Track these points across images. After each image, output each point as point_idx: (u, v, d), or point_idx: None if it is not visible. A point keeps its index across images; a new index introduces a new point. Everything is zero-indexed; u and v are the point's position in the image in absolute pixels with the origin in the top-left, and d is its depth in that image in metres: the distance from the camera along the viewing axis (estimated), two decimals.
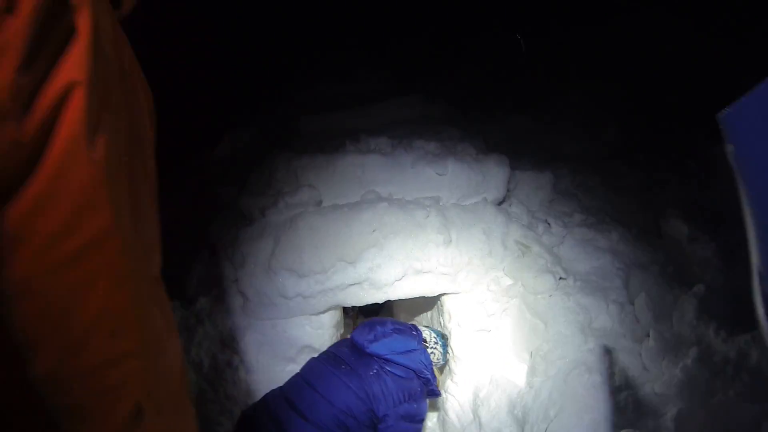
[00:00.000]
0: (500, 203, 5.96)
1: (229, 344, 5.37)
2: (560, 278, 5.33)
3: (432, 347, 4.47)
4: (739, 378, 4.64)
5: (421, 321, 6.31)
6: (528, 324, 5.23)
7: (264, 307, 5.29)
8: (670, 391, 4.57)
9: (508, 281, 5.35)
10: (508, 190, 6.17)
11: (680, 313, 5.27)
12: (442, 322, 5.60)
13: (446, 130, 6.64)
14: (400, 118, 6.94)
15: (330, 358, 4.19)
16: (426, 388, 4.18)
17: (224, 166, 7.29)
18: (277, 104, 8.11)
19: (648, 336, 5.02)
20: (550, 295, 5.21)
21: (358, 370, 3.97)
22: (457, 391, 5.52)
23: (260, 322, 5.37)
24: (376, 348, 4.10)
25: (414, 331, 4.45)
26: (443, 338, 4.62)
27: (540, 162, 6.76)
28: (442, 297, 5.51)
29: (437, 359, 4.47)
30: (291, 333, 5.37)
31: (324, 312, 5.34)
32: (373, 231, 5.14)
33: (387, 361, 4.06)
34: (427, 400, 4.33)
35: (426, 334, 4.52)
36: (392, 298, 5.19)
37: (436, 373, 4.45)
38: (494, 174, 5.88)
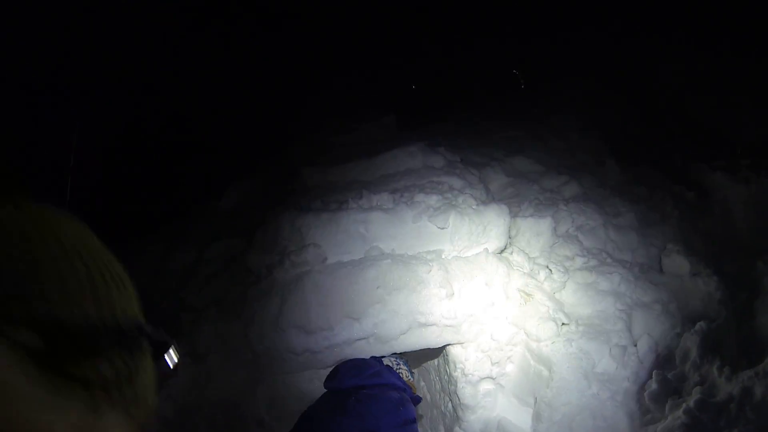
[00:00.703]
0: (501, 252, 6.07)
1: (239, 402, 5.55)
2: (563, 324, 5.42)
3: (397, 368, 4.50)
4: (744, 416, 4.69)
5: (429, 369, 6.40)
6: (532, 370, 5.32)
7: (274, 363, 5.45)
8: None
9: (511, 330, 5.45)
10: (509, 238, 6.28)
11: (683, 352, 5.34)
12: (448, 371, 5.70)
13: (447, 181, 6.79)
14: (401, 169, 7.11)
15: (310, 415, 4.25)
16: (405, 395, 4.17)
17: (229, 218, 7.49)
18: (280, 154, 8.32)
19: (651, 378, 5.07)
20: (553, 342, 5.30)
21: (339, 408, 4.00)
22: None
23: (270, 377, 5.50)
24: (347, 382, 4.14)
25: (374, 359, 4.59)
26: (405, 361, 4.67)
27: (540, 206, 6.87)
28: (447, 347, 5.61)
29: (404, 376, 4.51)
30: (301, 387, 5.51)
31: (332, 365, 5.45)
32: (377, 288, 5.28)
33: (360, 387, 4.08)
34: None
35: (386, 360, 4.59)
36: (398, 350, 5.31)
37: (411, 384, 4.52)
38: (495, 224, 6.01)
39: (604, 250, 6.68)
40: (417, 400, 4.31)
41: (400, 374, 4.42)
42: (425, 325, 5.29)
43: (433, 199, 6.19)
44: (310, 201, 6.45)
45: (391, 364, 4.49)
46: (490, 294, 5.48)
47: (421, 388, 6.68)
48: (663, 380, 5.05)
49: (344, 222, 5.91)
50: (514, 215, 6.38)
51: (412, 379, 4.55)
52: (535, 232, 6.43)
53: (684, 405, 4.75)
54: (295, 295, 5.40)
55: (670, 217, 7.52)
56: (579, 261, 6.25)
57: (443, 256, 5.76)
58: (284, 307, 5.38)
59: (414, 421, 3.99)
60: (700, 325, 5.45)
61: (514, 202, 6.76)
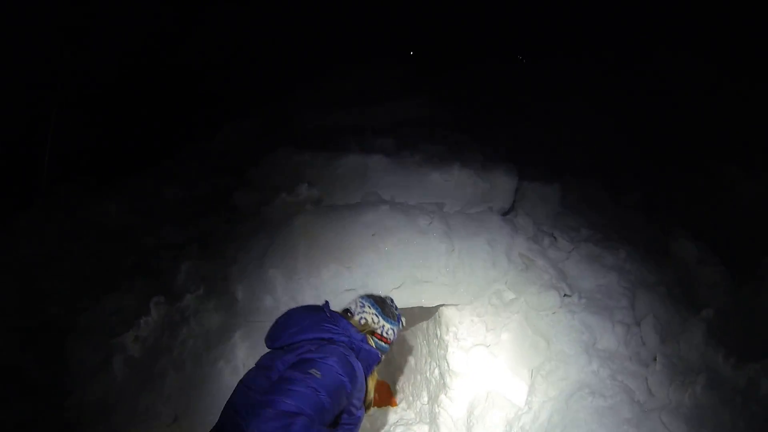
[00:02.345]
0: (506, 214, 5.56)
1: (214, 345, 4.97)
2: (565, 295, 4.94)
3: (359, 312, 3.46)
4: (749, 409, 4.26)
5: (416, 332, 5.90)
6: (529, 341, 4.84)
7: (254, 307, 4.91)
8: (678, 420, 4.16)
9: (510, 295, 4.96)
10: (514, 201, 5.77)
11: (688, 337, 4.89)
12: (438, 334, 5.20)
13: (454, 135, 6.26)
14: (408, 118, 6.55)
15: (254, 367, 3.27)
16: (352, 352, 3.18)
17: (222, 157, 6.91)
18: (281, 97, 7.72)
19: (655, 360, 4.61)
20: (554, 312, 4.82)
21: (260, 379, 3.10)
22: (451, 407, 5.12)
23: (249, 322, 4.97)
24: (273, 341, 3.25)
25: (324, 310, 3.38)
26: (373, 301, 3.54)
27: (548, 174, 6.35)
28: (440, 308, 5.11)
29: (372, 322, 3.42)
30: None
31: None
32: (372, 234, 4.76)
33: (287, 345, 3.15)
34: (367, 381, 3.33)
35: (350, 303, 3.54)
36: None
37: (369, 331, 3.40)
38: (502, 183, 5.51)
39: (609, 226, 6.20)
40: (372, 355, 3.34)
41: (363, 321, 3.43)
42: (421, 281, 4.78)
43: (440, 149, 5.66)
44: (309, 142, 5.89)
45: (352, 309, 3.49)
46: (491, 254, 4.97)
47: (403, 352, 6.19)
48: (668, 363, 4.59)
49: (343, 163, 5.39)
50: (520, 179, 5.85)
51: (387, 327, 3.50)
52: (541, 197, 5.93)
53: (689, 390, 4.31)
54: (283, 236, 4.88)
55: (679, 202, 7.03)
56: (585, 233, 5.76)
57: (445, 210, 5.24)
58: (270, 248, 4.86)
59: (338, 388, 2.91)
60: (707, 312, 5.00)
61: (522, 165, 6.22)
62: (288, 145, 5.93)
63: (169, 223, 6.16)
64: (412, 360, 5.98)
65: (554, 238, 5.56)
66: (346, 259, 4.72)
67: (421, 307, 5.25)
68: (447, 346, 5.02)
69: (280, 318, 3.35)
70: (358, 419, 3.19)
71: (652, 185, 7.31)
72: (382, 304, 3.55)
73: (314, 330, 3.15)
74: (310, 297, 4.75)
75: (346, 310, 3.47)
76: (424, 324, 5.73)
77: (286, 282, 4.78)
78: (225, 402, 3.07)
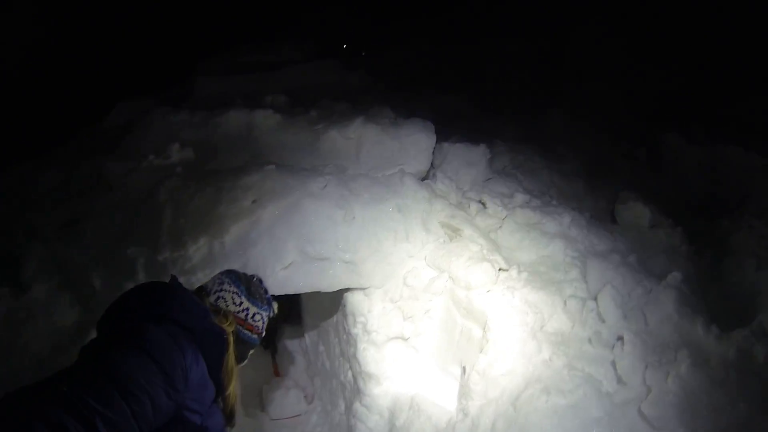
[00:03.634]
0: (423, 179, 4.36)
1: (65, 347, 3.68)
2: (500, 269, 3.76)
3: (216, 291, 2.44)
4: (746, 385, 3.27)
5: (327, 328, 4.60)
6: (459, 329, 3.66)
7: (114, 297, 3.53)
8: (664, 411, 3.03)
9: (430, 273, 3.76)
10: (432, 166, 4.60)
11: (656, 308, 3.80)
12: (346, 327, 3.95)
13: (363, 97, 5.08)
14: (311, 84, 5.33)
15: None
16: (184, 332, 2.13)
17: (110, 135, 5.50)
18: (182, 73, 6.39)
19: (620, 339, 3.47)
20: (488, 291, 3.63)
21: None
22: (368, 417, 3.89)
23: None
24: (103, 326, 2.19)
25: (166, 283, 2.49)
26: (235, 278, 2.52)
27: (474, 137, 5.20)
28: (345, 294, 3.86)
29: (233, 303, 2.41)
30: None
31: None
32: (253, 201, 3.51)
33: (114, 334, 2.10)
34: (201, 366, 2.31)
35: (207, 281, 2.49)
36: (276, 292, 3.52)
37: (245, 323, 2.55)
38: (416, 141, 4.35)
39: (546, 193, 5.09)
40: (215, 336, 2.31)
41: (221, 301, 2.39)
42: (314, 258, 3.54)
43: (342, 106, 4.47)
44: (195, 106, 4.61)
45: (208, 287, 2.48)
46: (403, 223, 3.77)
47: (319, 354, 4.91)
48: (637, 342, 3.47)
49: (224, 121, 4.18)
50: (441, 141, 4.67)
51: (252, 310, 2.51)
52: (466, 161, 4.76)
53: (671, 372, 3.20)
54: (147, 206, 3.61)
55: (620, 170, 6.03)
56: (519, 198, 4.63)
57: (347, 173, 4.01)
58: (132, 222, 3.57)
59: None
60: (674, 276, 3.94)
61: (443, 133, 5.02)
62: (167, 107, 4.65)
63: (35, 208, 4.74)
64: (327, 362, 4.70)
65: (483, 205, 4.39)
66: (220, 232, 3.48)
67: (330, 297, 4.00)
68: (356, 342, 3.79)
69: (125, 293, 2.28)
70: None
71: (589, 154, 6.30)
72: (247, 283, 2.55)
73: (143, 309, 2.15)
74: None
75: (200, 289, 2.46)
76: (334, 318, 4.45)
77: (149, 262, 3.54)
78: None
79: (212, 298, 2.38)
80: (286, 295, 3.67)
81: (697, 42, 7.03)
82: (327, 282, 3.61)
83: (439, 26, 8.07)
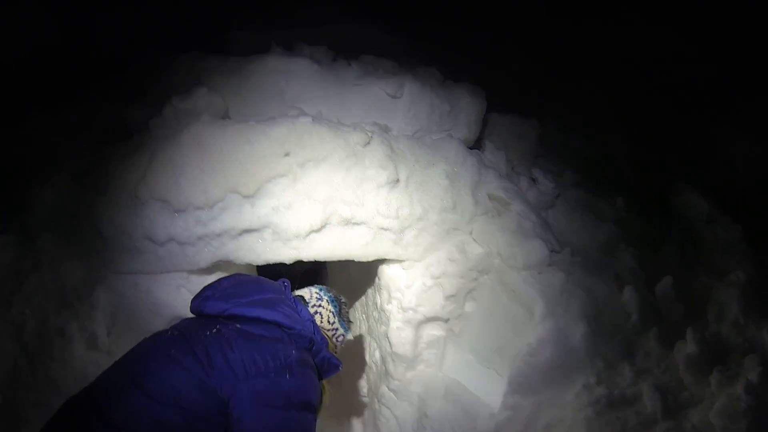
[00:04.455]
0: (471, 148, 3.90)
1: (69, 303, 3.32)
2: (552, 250, 3.31)
3: (315, 305, 2.55)
4: None
5: (354, 302, 4.18)
6: (505, 312, 3.23)
7: (125, 254, 3.26)
8: (737, 423, 2.59)
9: (477, 249, 3.32)
10: (480, 136, 4.14)
11: (718, 307, 3.36)
12: (378, 302, 3.53)
13: (410, 52, 4.63)
14: (353, 42, 4.85)
15: (169, 334, 2.16)
16: (309, 354, 2.24)
17: (134, 83, 5.05)
18: (215, 27, 5.92)
19: (684, 339, 3.03)
20: (540, 272, 3.19)
21: (192, 340, 2.03)
22: (395, 404, 3.48)
23: (118, 275, 3.31)
24: (215, 305, 2.22)
25: (282, 282, 2.56)
26: (332, 297, 2.65)
27: (524, 109, 4.73)
28: (381, 266, 3.43)
29: (327, 321, 2.53)
30: (158, 296, 3.29)
31: (207, 270, 3.26)
32: (286, 155, 3.08)
33: (233, 317, 2.16)
34: (323, 383, 2.35)
35: (304, 291, 2.63)
36: (305, 257, 3.12)
37: (330, 339, 2.59)
38: (465, 106, 3.89)
39: (598, 175, 4.62)
40: (333, 365, 2.40)
41: (317, 317, 2.52)
42: (350, 222, 3.11)
43: (386, 63, 4.02)
44: (226, 56, 4.16)
45: (307, 298, 2.58)
46: (451, 191, 3.33)
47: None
48: (702, 341, 3.03)
49: (258, 69, 3.76)
50: (489, 110, 4.20)
51: (340, 332, 2.65)
52: (516, 134, 4.32)
53: (744, 381, 2.76)
54: (166, 154, 3.18)
55: (671, 161, 5.50)
56: (571, 177, 4.19)
57: (390, 134, 3.57)
58: (150, 170, 3.15)
59: (307, 404, 2.04)
60: (737, 274, 3.49)
61: (493, 96, 4.51)
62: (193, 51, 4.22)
63: (52, 154, 4.31)
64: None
65: (533, 180, 3.93)
66: (248, 187, 3.05)
67: (360, 267, 3.58)
68: (389, 320, 3.37)
69: (222, 280, 2.42)
70: None
71: (638, 142, 5.78)
72: (340, 304, 2.70)
73: (271, 310, 2.22)
74: (198, 239, 3.13)
75: (300, 297, 2.56)
76: (364, 291, 4.02)
77: (168, 217, 3.12)
78: (75, 390, 2.01)
79: (310, 311, 2.48)
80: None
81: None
82: (362, 250, 3.18)
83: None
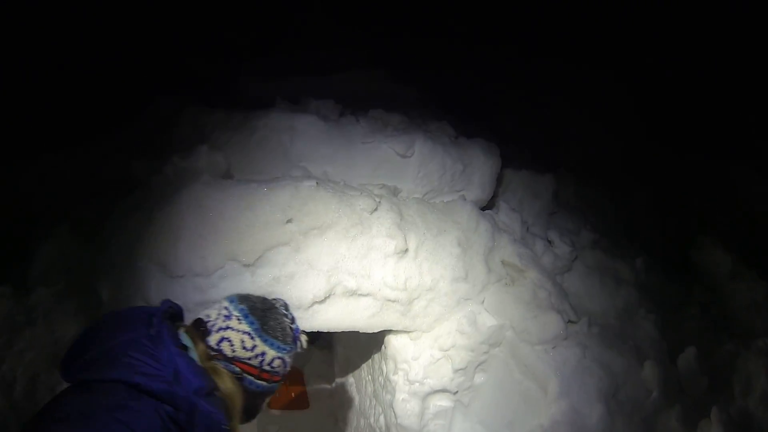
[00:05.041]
0: (484, 209, 3.72)
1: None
2: (569, 321, 3.11)
3: (221, 328, 1.74)
4: None
5: (360, 363, 3.98)
6: (518, 389, 3.02)
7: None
8: None
9: (489, 321, 3.12)
10: (494, 194, 3.96)
11: (745, 378, 3.12)
12: (384, 371, 3.33)
13: (420, 111, 4.47)
14: (362, 93, 4.75)
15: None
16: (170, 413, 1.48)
17: (143, 134, 4.98)
18: (227, 71, 5.84)
19: (709, 418, 2.80)
20: (554, 347, 2.98)
21: None
22: None
23: None
24: (74, 371, 1.55)
25: (149, 310, 1.73)
26: (245, 309, 1.78)
27: (537, 163, 4.56)
28: (388, 335, 3.24)
29: (241, 347, 1.72)
30: None
31: None
32: (288, 221, 2.93)
33: (86, 383, 1.50)
34: None
35: (209, 311, 1.79)
36: (307, 328, 2.93)
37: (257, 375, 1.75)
38: (480, 165, 3.72)
39: (615, 230, 4.42)
40: (257, 391, 1.77)
41: (225, 345, 1.71)
42: (356, 293, 2.94)
43: (396, 118, 3.87)
44: (232, 106, 4.06)
45: (211, 317, 1.78)
46: (463, 260, 3.14)
47: (348, 385, 4.31)
48: (728, 421, 2.79)
49: (262, 124, 3.59)
50: (504, 166, 4.03)
51: (269, 355, 1.78)
52: (531, 191, 4.13)
53: None
54: (165, 214, 3.04)
55: (692, 206, 5.26)
56: (587, 236, 3.98)
57: (400, 196, 3.41)
58: (148, 231, 3.02)
59: None
60: (764, 342, 3.26)
61: (504, 153, 4.36)
62: (199, 104, 4.12)
63: (55, 203, 4.23)
64: (356, 397, 4.08)
65: (549, 242, 3.74)
66: (248, 255, 2.89)
67: (367, 335, 3.39)
68: (394, 391, 3.16)
69: (88, 327, 1.65)
70: None
71: (656, 186, 5.54)
72: (262, 316, 1.79)
73: (118, 362, 1.49)
74: (195, 306, 2.87)
75: (198, 323, 1.75)
76: (371, 356, 3.83)
77: (163, 280, 2.95)
78: None
79: (214, 339, 1.70)
80: None
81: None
82: (368, 321, 2.99)
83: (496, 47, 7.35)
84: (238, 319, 1.74)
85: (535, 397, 2.91)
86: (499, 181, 4.02)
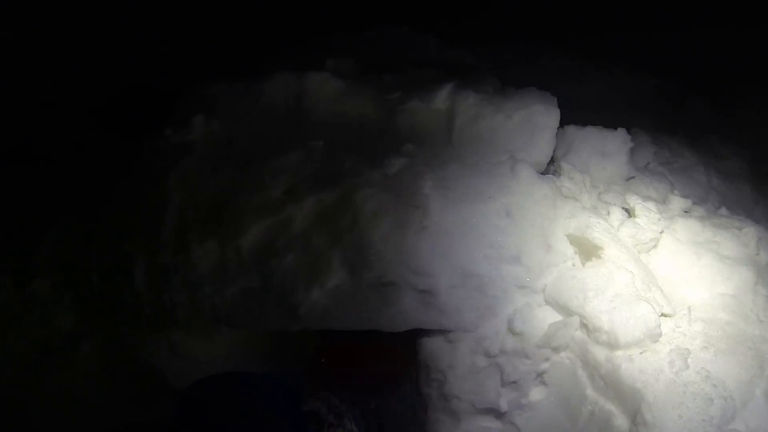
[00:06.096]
0: (542, 173, 2.81)
1: (52, 355, 2.92)
2: (661, 314, 2.19)
3: (333, 427, 1.50)
4: None
5: None
6: (589, 408, 2.16)
7: (111, 302, 2.74)
8: None
9: (552, 315, 2.24)
10: (554, 157, 3.06)
11: None
12: (413, 380, 2.49)
13: (459, 66, 3.60)
14: (392, 55, 3.89)
15: None
16: None
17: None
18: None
19: None
20: (642, 351, 2.08)
21: None
22: None
23: (107, 326, 2.77)
24: None
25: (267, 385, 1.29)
26: (356, 413, 1.59)
27: (608, 120, 3.60)
28: (420, 337, 2.39)
29: None
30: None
31: (199, 334, 2.54)
32: (285, 191, 2.21)
33: None
34: None
35: (318, 402, 1.53)
36: (312, 326, 2.17)
37: None
38: (533, 117, 2.84)
39: (709, 200, 3.41)
40: None
41: None
42: (371, 282, 2.19)
43: (429, 71, 3.06)
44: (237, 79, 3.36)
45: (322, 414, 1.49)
46: (514, 235, 2.28)
47: None
48: None
49: (268, 89, 2.94)
50: (563, 122, 3.11)
51: None
52: (601, 150, 3.20)
53: None
54: (152, 193, 2.66)
55: None
56: (677, 204, 3.02)
57: (432, 160, 2.56)
58: (135, 213, 2.70)
59: None
60: None
61: (565, 113, 3.43)
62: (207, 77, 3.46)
63: (58, 193, 3.81)
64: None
65: (628, 212, 2.81)
66: (235, 232, 2.19)
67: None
68: (426, 407, 2.33)
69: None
70: None
71: (751, 149, 4.48)
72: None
73: None
74: (182, 294, 2.39)
75: (309, 415, 1.44)
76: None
77: (148, 266, 2.48)
78: None
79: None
80: None
81: None
82: (390, 318, 2.18)
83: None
84: (349, 420, 1.36)
85: (616, 424, 2.03)
86: (560, 139, 3.12)
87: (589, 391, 2.14)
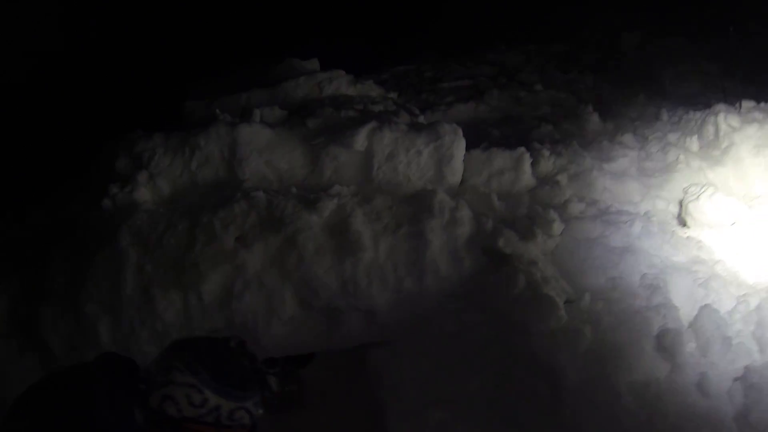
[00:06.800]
0: (453, 196, 3.19)
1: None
2: (566, 301, 2.60)
3: (162, 386, 1.14)
4: None
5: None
6: (520, 386, 2.47)
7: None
8: None
9: (476, 316, 2.61)
10: (463, 179, 3.45)
11: None
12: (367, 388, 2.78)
13: (375, 106, 3.97)
14: (315, 97, 4.21)
15: None
16: None
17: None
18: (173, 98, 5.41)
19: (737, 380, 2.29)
20: (552, 331, 2.47)
21: None
22: None
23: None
24: None
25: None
26: (189, 358, 1.17)
27: (506, 142, 4.05)
28: (366, 353, 2.69)
29: (189, 404, 1.08)
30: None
31: None
32: (236, 239, 2.46)
33: None
34: None
35: (152, 364, 1.20)
36: (275, 354, 2.37)
37: None
38: (441, 148, 3.22)
39: (601, 200, 3.88)
40: None
41: (168, 404, 1.10)
42: (320, 308, 2.46)
43: (349, 113, 3.39)
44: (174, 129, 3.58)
45: (154, 381, 1.18)
46: (431, 250, 2.63)
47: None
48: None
49: (203, 142, 3.19)
50: (469, 148, 3.52)
51: (221, 405, 1.13)
52: (503, 168, 3.63)
53: None
54: (106, 251, 2.78)
55: (678, 166, 4.71)
56: (574, 208, 3.47)
57: (355, 196, 2.90)
58: (90, 271, 2.79)
59: None
60: None
61: (469, 138, 3.85)
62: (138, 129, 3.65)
63: (16, 254, 3.81)
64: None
65: (531, 220, 3.21)
66: (195, 281, 2.43)
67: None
68: (383, 410, 2.62)
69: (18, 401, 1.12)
70: None
71: (637, 152, 5.01)
72: (213, 362, 1.22)
73: None
74: (150, 345, 2.51)
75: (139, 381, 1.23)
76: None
77: (112, 324, 2.61)
78: None
79: (155, 400, 1.19)
80: None
81: None
82: (339, 337, 2.50)
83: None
84: (180, 372, 1.14)
85: (542, 393, 2.39)
86: (467, 163, 3.51)
87: (517, 372, 2.50)
